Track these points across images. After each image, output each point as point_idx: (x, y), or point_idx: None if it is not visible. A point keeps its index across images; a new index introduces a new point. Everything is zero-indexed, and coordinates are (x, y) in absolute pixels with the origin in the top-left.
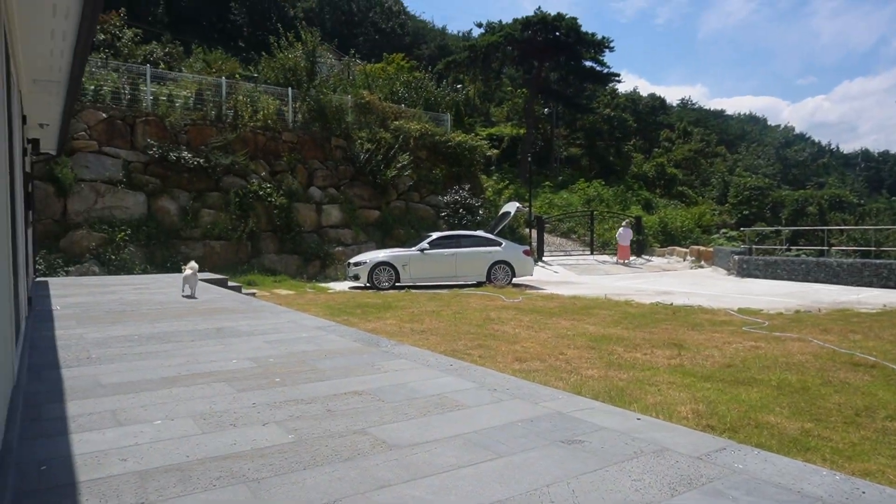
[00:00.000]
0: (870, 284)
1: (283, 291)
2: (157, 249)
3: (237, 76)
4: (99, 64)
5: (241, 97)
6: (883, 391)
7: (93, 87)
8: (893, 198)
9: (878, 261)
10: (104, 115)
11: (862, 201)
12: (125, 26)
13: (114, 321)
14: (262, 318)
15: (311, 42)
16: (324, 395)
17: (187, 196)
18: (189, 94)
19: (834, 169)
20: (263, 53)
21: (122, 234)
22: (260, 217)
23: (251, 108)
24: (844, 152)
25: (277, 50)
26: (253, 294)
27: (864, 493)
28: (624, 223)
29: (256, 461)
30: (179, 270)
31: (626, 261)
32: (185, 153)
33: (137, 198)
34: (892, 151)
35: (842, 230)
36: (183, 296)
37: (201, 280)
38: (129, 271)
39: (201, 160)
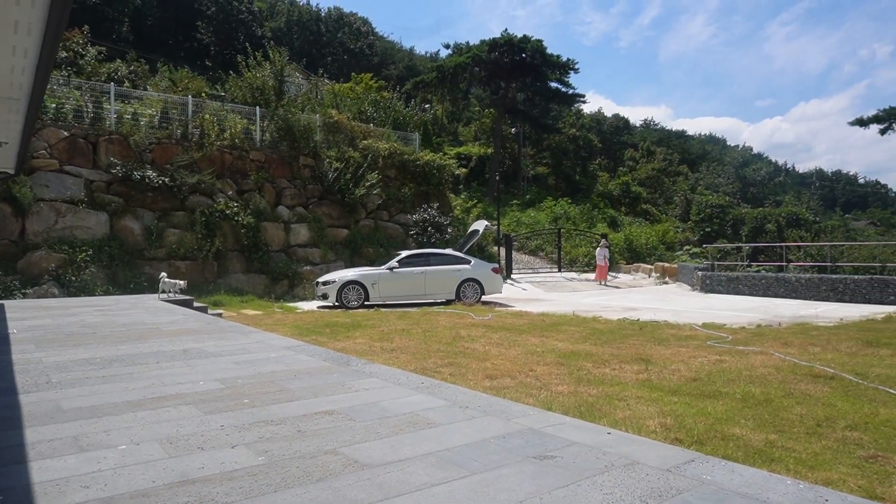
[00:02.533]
0: (826, 299)
1: (251, 311)
2: (119, 270)
3: (204, 95)
4: (61, 81)
5: (207, 116)
6: (842, 402)
7: (54, 105)
8: (846, 215)
9: (833, 276)
10: (66, 133)
11: (817, 219)
12: (88, 44)
13: (75, 344)
14: (229, 338)
15: (279, 61)
16: (294, 416)
17: (152, 215)
18: (154, 113)
19: (790, 187)
20: (231, 72)
21: (84, 254)
22: (227, 236)
23: (218, 127)
24: (800, 171)
25: (245, 69)
26: (220, 314)
27: (826, 500)
28: (602, 243)
29: (225, 484)
30: (143, 291)
31: (604, 281)
32: (149, 172)
33: (99, 217)
34: (845, 171)
35: (799, 246)
36: (160, 299)
37: (166, 301)
38: (91, 293)
39: (166, 179)
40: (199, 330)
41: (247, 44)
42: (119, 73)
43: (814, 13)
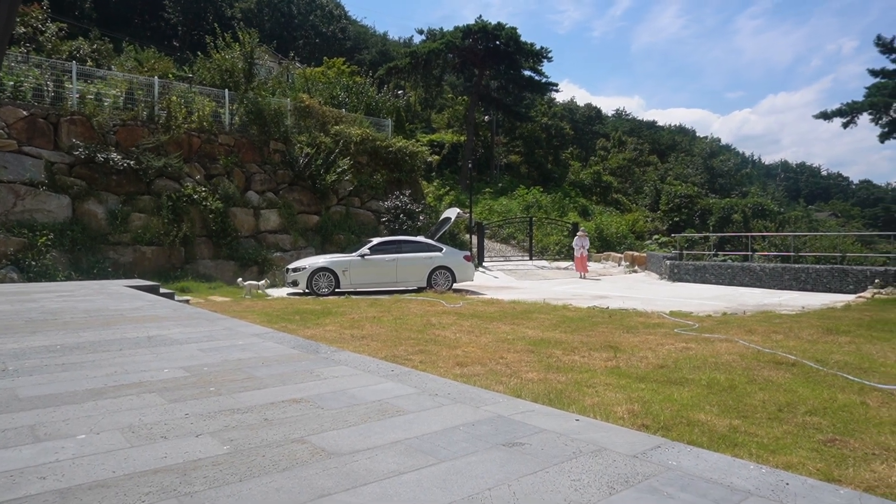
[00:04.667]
0: (789, 287)
1: (219, 298)
2: (82, 255)
3: (171, 76)
4: (19, 58)
5: (174, 97)
6: (802, 388)
7: (12, 83)
8: (810, 206)
9: (796, 265)
10: (25, 112)
11: (782, 209)
12: (48, 20)
13: (34, 331)
14: (196, 325)
15: (249, 43)
16: (261, 404)
17: (116, 199)
18: (119, 94)
19: (756, 179)
20: (199, 54)
21: (44, 238)
22: (194, 222)
23: (186, 110)
24: (766, 163)
25: (214, 50)
26: (187, 301)
27: (787, 484)
28: (580, 232)
29: (189, 474)
30: (107, 277)
31: (584, 273)
32: (114, 154)
33: (61, 201)
34: (809, 163)
35: (764, 236)
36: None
37: (129, 287)
38: (52, 278)
39: (132, 162)
40: (164, 317)
41: (216, 24)
42: (81, 52)
43: (781, 7)
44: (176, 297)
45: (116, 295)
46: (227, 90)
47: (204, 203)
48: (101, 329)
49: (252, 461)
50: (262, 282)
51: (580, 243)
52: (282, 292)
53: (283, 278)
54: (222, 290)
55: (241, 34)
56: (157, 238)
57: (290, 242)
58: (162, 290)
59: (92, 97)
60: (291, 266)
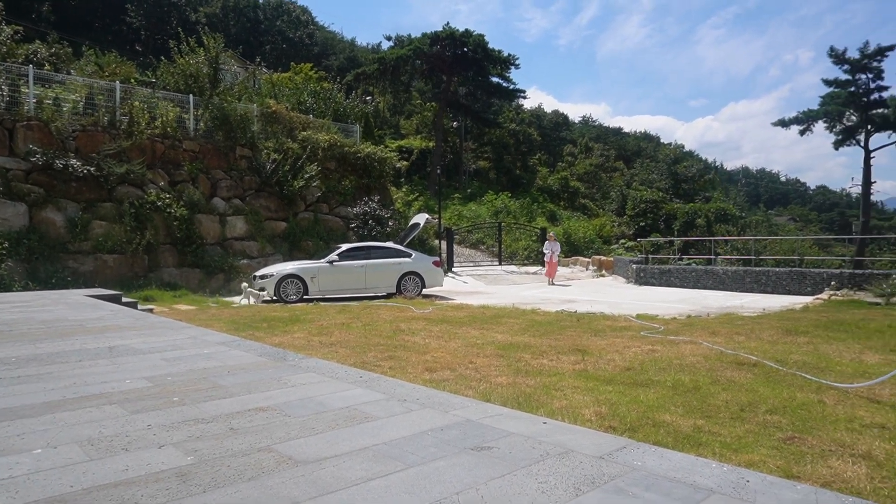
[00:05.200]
0: (751, 290)
1: (184, 307)
2: (40, 264)
3: (133, 81)
4: None
5: (137, 103)
6: (763, 387)
7: None
8: (769, 211)
9: (757, 269)
10: None
11: (743, 214)
12: (3, 22)
13: None
14: (159, 334)
15: (214, 48)
16: (226, 413)
17: (76, 207)
18: (79, 99)
19: (719, 184)
20: (163, 58)
21: (0, 247)
22: (158, 229)
23: (149, 115)
24: (728, 169)
25: (178, 55)
26: (150, 310)
27: (748, 481)
28: (550, 236)
29: (151, 486)
30: (66, 287)
31: (552, 280)
32: (73, 161)
33: (17, 208)
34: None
35: (726, 240)
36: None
37: (90, 297)
38: (8, 289)
39: (92, 168)
40: (127, 326)
41: (179, 29)
42: (39, 55)
43: (741, 18)
44: (139, 307)
45: (76, 305)
46: (191, 95)
47: (168, 210)
48: (60, 340)
49: (217, 471)
50: (264, 291)
51: (550, 248)
52: (249, 300)
53: (250, 285)
54: (187, 299)
55: (205, 39)
56: (119, 246)
57: (258, 249)
58: (124, 300)
59: (50, 102)
60: (259, 273)
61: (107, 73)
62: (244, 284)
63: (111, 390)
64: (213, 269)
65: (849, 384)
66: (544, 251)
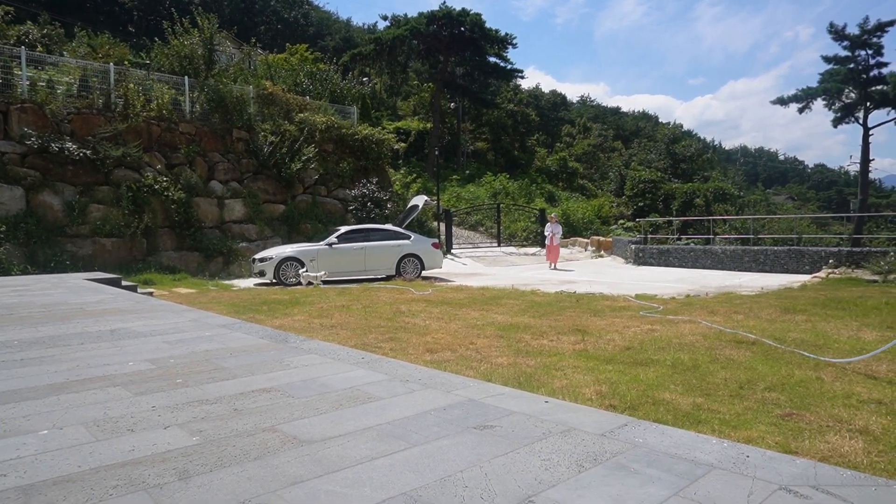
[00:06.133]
0: (749, 269)
1: (184, 290)
2: (38, 248)
3: (127, 63)
4: None
5: (132, 85)
6: (762, 365)
7: None
8: (768, 190)
9: (755, 248)
10: None
11: (741, 193)
12: None
13: None
14: (160, 317)
15: (209, 29)
16: (230, 394)
17: (73, 190)
18: (72, 81)
19: (717, 164)
20: (157, 40)
21: None
22: (156, 212)
23: (144, 97)
24: (726, 148)
25: (172, 36)
26: (150, 293)
27: (748, 456)
28: (552, 216)
29: (157, 466)
30: (65, 270)
31: (555, 264)
32: (69, 144)
33: (14, 192)
34: (767, 148)
35: (725, 220)
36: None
37: (90, 280)
38: (6, 273)
39: (88, 152)
40: (127, 309)
41: (173, 9)
42: (31, 37)
43: None
44: (139, 290)
45: (76, 288)
46: (186, 77)
47: (165, 193)
48: (61, 323)
49: (222, 451)
50: (321, 273)
51: (551, 230)
52: (248, 283)
53: (249, 268)
54: (187, 282)
55: (199, 20)
56: (117, 230)
57: (256, 232)
58: (124, 283)
59: (44, 84)
60: (258, 256)
61: (100, 55)
62: (302, 270)
63: (114, 372)
64: (212, 252)
65: (846, 359)
66: (545, 233)
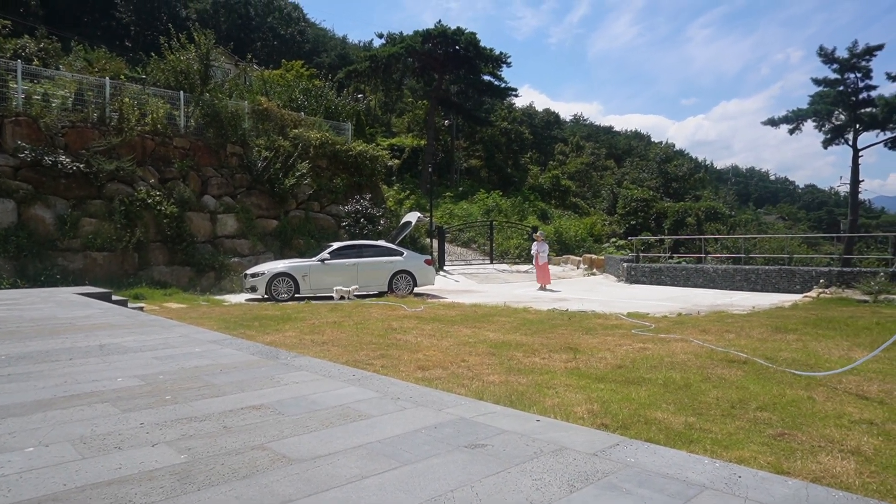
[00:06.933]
0: (741, 288)
1: (175, 305)
2: (29, 262)
3: (123, 77)
4: None
5: (127, 99)
6: (753, 385)
7: None
8: (759, 210)
9: (747, 267)
10: None
11: (733, 213)
12: None
13: None
14: (150, 333)
15: (205, 44)
16: (219, 412)
17: (65, 204)
18: (68, 94)
19: (709, 183)
20: (153, 54)
21: None
22: (148, 227)
23: (139, 112)
24: (718, 168)
25: (168, 51)
26: (141, 308)
27: (740, 477)
28: (538, 235)
29: (145, 485)
30: (56, 284)
31: (547, 285)
32: (62, 157)
33: (6, 205)
34: (758, 168)
35: (716, 239)
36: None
37: (80, 294)
38: None
39: (81, 165)
40: (117, 324)
41: (170, 25)
42: (27, 50)
43: (730, 17)
44: (129, 305)
45: (66, 303)
46: (182, 92)
47: (158, 207)
48: (50, 338)
49: (211, 469)
50: (353, 286)
51: (537, 248)
52: (240, 298)
53: (241, 284)
54: (178, 297)
55: (196, 35)
56: (108, 244)
57: (249, 247)
58: (114, 298)
59: (39, 98)
60: (250, 271)
61: (96, 69)
62: (337, 288)
63: (103, 388)
64: (204, 267)
65: (829, 372)
66: (532, 252)
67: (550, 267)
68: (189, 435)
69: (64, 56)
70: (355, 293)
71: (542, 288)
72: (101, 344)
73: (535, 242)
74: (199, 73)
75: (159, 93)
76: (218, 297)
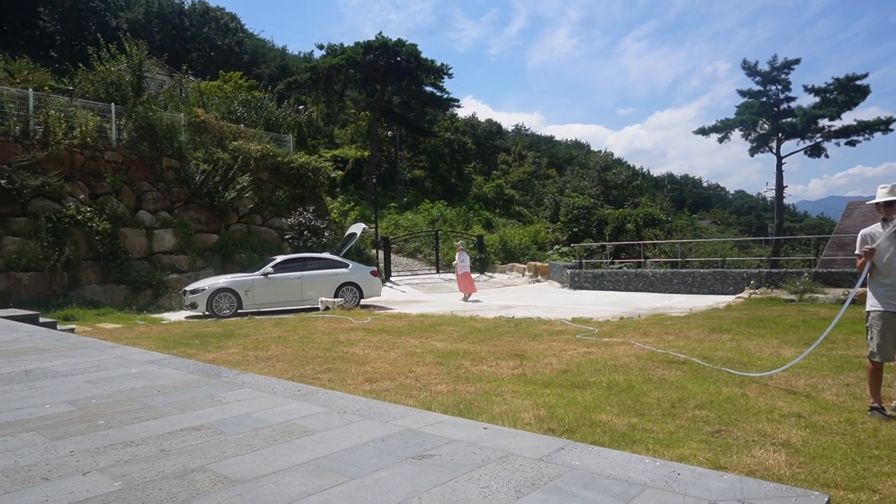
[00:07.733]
0: (678, 291)
1: (109, 325)
2: None
3: (48, 88)
4: None
5: (53, 111)
6: (692, 384)
7: None
8: (693, 215)
9: (684, 270)
10: None
11: (669, 218)
12: None
13: None
14: (82, 355)
15: (138, 55)
16: (157, 434)
17: None
18: None
19: (646, 190)
20: (81, 65)
21: None
22: (79, 244)
23: (66, 125)
24: (654, 175)
25: (98, 62)
26: (71, 330)
27: (679, 474)
28: (458, 244)
29: None
30: None
31: (469, 294)
32: None
33: None
34: (692, 175)
35: (655, 244)
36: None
37: (3, 318)
38: None
39: (3, 181)
40: (45, 348)
41: (98, 35)
42: None
43: (661, 32)
44: (59, 327)
45: None
46: (113, 104)
47: (89, 224)
48: None
49: (147, 496)
50: (339, 299)
51: (459, 258)
52: (179, 316)
53: (180, 301)
54: (113, 317)
55: (128, 45)
56: (35, 263)
57: (188, 263)
58: (42, 320)
59: None
60: (189, 288)
61: (18, 80)
62: (322, 299)
63: (28, 416)
64: (140, 284)
65: (764, 373)
66: (454, 264)
67: (496, 275)
68: (124, 461)
69: None
70: (339, 304)
71: (466, 298)
72: (27, 369)
73: (458, 253)
74: (132, 85)
75: (89, 105)
76: (156, 316)
